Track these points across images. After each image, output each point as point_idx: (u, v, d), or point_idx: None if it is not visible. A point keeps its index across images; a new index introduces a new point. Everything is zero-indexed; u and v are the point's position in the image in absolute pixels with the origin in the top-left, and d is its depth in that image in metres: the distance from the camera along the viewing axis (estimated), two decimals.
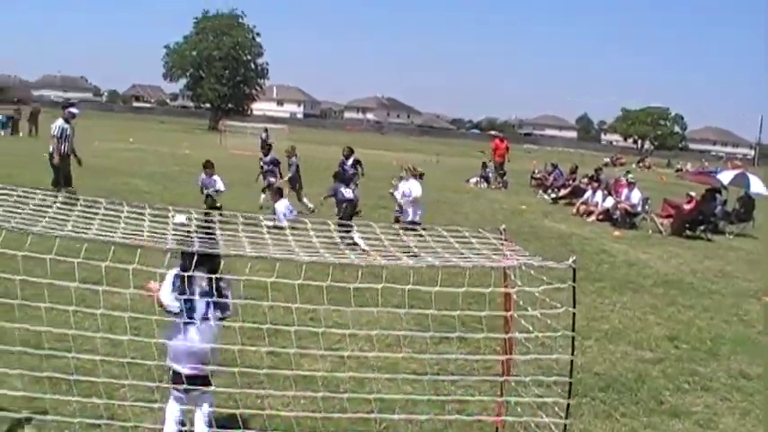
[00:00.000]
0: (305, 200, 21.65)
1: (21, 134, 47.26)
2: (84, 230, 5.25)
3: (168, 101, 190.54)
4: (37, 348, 6.63)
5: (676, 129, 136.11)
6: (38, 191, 6.12)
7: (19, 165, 26.51)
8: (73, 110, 19.91)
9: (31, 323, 6.37)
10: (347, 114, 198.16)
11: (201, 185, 19.90)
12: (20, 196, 5.91)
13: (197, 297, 5.66)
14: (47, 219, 5.39)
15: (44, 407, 6.28)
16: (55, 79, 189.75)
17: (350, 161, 22.76)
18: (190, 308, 5.70)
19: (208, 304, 5.69)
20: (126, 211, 5.83)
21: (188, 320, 5.69)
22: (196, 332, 5.69)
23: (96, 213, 5.76)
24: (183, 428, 5.97)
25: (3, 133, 44.00)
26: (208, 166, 19.70)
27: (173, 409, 5.92)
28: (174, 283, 5.69)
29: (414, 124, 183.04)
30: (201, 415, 5.93)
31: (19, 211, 5.56)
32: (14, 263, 5.42)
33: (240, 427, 6.00)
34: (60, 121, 19.24)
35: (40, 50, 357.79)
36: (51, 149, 18.91)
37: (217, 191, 19.45)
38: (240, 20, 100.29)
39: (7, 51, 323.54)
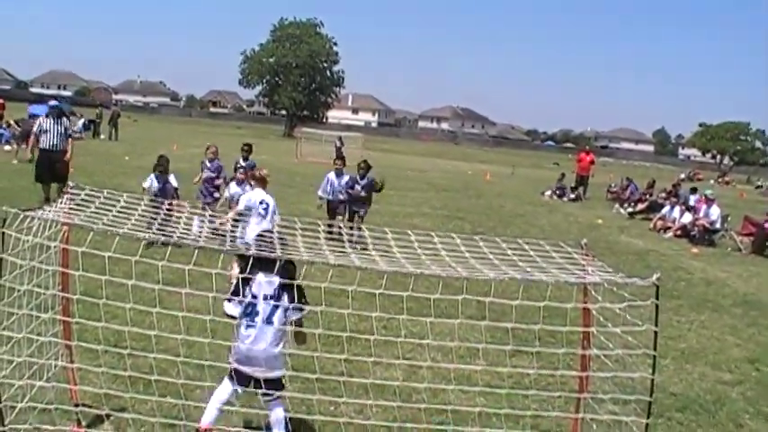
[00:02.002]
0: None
1: (102, 137, 48.36)
2: (168, 233, 5.34)
3: (245, 107, 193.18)
4: (117, 347, 6.78)
5: (758, 144, 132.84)
6: (123, 193, 6.22)
7: (100, 167, 27.14)
8: (52, 102, 19.45)
9: (112, 322, 6.51)
10: (421, 123, 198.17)
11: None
12: (106, 198, 6.03)
13: (260, 300, 5.75)
14: (132, 221, 5.49)
15: (123, 404, 6.41)
16: (135, 84, 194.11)
17: (364, 182, 17.33)
18: (251, 312, 5.78)
19: (273, 308, 5.76)
20: (208, 215, 5.91)
21: (249, 324, 5.77)
22: (259, 337, 5.77)
23: (179, 217, 5.86)
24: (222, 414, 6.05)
25: (84, 136, 44.99)
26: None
27: (223, 393, 6.01)
28: (236, 287, 5.78)
29: (488, 135, 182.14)
30: (276, 420, 5.99)
31: (105, 212, 5.67)
32: (96, 262, 5.53)
33: None
34: (41, 118, 18.83)
35: (122, 56, 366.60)
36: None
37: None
38: (318, 29, 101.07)
39: (92, 57, 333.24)
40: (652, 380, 5.55)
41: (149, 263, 5.41)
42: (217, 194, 16.35)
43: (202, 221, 6.13)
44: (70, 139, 18.50)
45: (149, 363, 6.39)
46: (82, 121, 47.01)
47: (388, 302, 8.27)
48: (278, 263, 5.56)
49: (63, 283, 6.01)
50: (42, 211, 5.55)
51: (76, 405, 6.26)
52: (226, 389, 6.03)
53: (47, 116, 18.30)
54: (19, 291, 5.43)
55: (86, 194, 6.11)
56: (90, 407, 6.39)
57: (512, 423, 6.87)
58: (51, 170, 17.73)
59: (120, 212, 5.75)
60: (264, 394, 5.92)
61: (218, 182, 16.47)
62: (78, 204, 5.89)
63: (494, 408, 6.80)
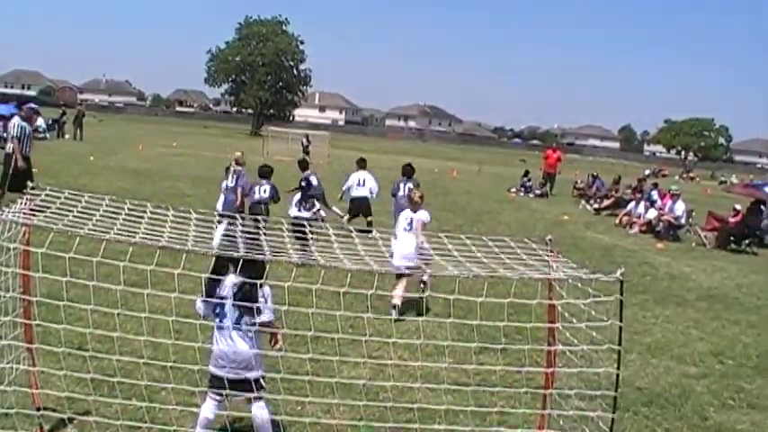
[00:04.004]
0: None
1: (66, 137, 47.87)
2: (131, 233, 5.27)
3: (211, 106, 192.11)
4: (80, 349, 6.70)
5: (721, 140, 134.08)
6: (84, 193, 6.15)
7: (64, 167, 26.86)
8: (33, 105, 18.52)
9: (75, 324, 6.43)
10: (388, 122, 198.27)
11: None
12: (67, 198, 5.95)
13: (227, 302, 5.69)
14: (94, 221, 5.42)
15: (86, 407, 6.33)
16: (100, 83, 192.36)
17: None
18: (219, 313, 5.74)
19: (240, 311, 5.70)
20: (171, 215, 5.85)
21: (219, 325, 5.73)
22: (229, 337, 5.72)
23: (142, 217, 5.79)
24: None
25: (49, 136, 44.45)
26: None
27: (205, 411, 5.96)
28: (205, 288, 5.74)
29: (455, 132, 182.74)
30: (261, 422, 5.94)
31: (66, 213, 5.60)
32: (59, 264, 5.45)
33: None
34: (18, 120, 17.56)
35: (88, 55, 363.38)
36: (10, 150, 16.99)
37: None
38: (284, 26, 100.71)
39: (57, 56, 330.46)
40: (617, 375, 5.58)
41: (113, 264, 5.33)
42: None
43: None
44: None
45: (113, 365, 6.34)
46: (41, 120, 46.31)
47: (354, 301, 8.25)
48: (248, 263, 5.49)
49: (24, 286, 5.92)
50: (1, 212, 5.46)
51: (38, 409, 6.17)
52: (209, 407, 5.96)
53: (24, 120, 17.52)
54: None
55: (47, 195, 6.03)
56: (53, 411, 6.30)
57: (479, 420, 6.87)
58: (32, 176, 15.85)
59: (83, 213, 5.67)
60: (237, 395, 5.87)
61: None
62: (39, 205, 5.81)
63: (460, 405, 6.78)
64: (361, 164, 18.99)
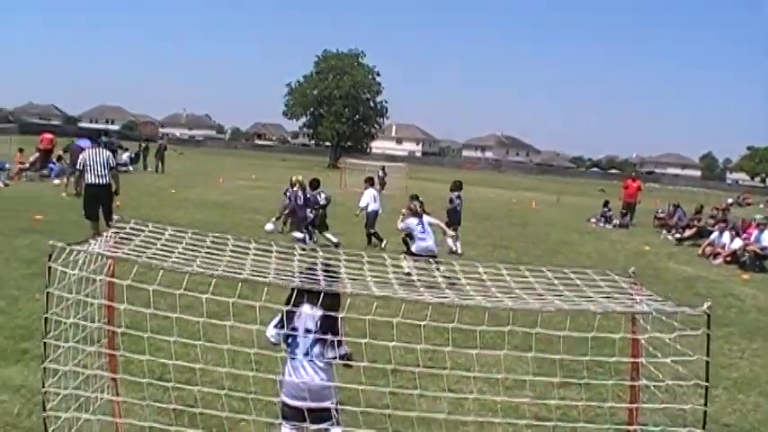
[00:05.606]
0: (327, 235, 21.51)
1: (149, 169, 48.98)
2: (213, 266, 5.33)
3: (289, 139, 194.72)
4: (161, 380, 6.78)
5: None
6: (168, 226, 6.25)
7: (146, 200, 27.45)
8: (114, 139, 19.45)
9: (156, 355, 6.52)
10: (465, 152, 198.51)
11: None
12: (151, 231, 6.06)
13: (300, 333, 5.70)
14: (177, 253, 5.50)
15: None
16: (181, 118, 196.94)
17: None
18: (292, 343, 5.75)
19: (313, 342, 5.71)
20: (253, 248, 5.90)
21: (291, 356, 5.75)
22: (301, 368, 5.72)
23: (224, 249, 5.86)
24: None
25: (132, 169, 45.55)
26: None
27: None
28: (282, 316, 5.78)
29: (532, 162, 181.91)
30: None
31: (150, 245, 5.69)
32: (140, 295, 5.54)
33: None
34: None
35: (169, 90, 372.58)
36: (109, 180, 17.64)
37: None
38: (360, 59, 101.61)
39: (140, 91, 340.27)
40: (704, 411, 5.42)
41: (194, 296, 5.40)
42: None
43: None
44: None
45: (194, 395, 6.39)
46: (126, 154, 47.65)
47: (433, 334, 8.20)
48: (322, 295, 5.51)
49: (108, 316, 6.04)
50: (88, 244, 5.58)
51: None
52: None
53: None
54: (65, 324, 5.46)
55: (131, 227, 6.15)
56: None
57: None
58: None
59: (166, 245, 5.76)
60: (316, 424, 5.85)
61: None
62: (123, 237, 5.93)
63: None
64: (370, 182, 24.00)
